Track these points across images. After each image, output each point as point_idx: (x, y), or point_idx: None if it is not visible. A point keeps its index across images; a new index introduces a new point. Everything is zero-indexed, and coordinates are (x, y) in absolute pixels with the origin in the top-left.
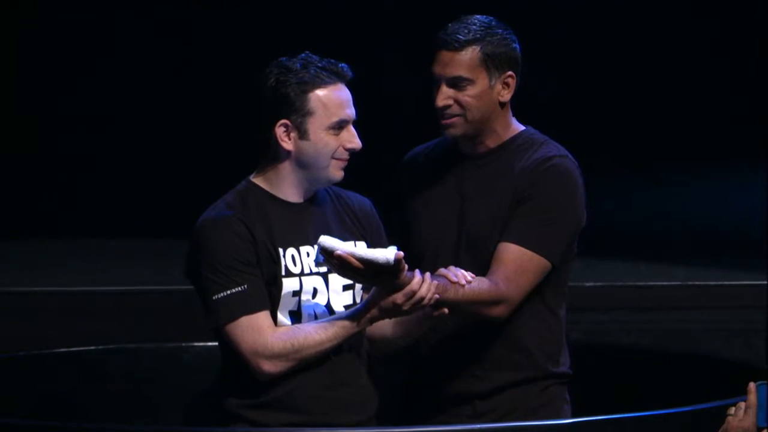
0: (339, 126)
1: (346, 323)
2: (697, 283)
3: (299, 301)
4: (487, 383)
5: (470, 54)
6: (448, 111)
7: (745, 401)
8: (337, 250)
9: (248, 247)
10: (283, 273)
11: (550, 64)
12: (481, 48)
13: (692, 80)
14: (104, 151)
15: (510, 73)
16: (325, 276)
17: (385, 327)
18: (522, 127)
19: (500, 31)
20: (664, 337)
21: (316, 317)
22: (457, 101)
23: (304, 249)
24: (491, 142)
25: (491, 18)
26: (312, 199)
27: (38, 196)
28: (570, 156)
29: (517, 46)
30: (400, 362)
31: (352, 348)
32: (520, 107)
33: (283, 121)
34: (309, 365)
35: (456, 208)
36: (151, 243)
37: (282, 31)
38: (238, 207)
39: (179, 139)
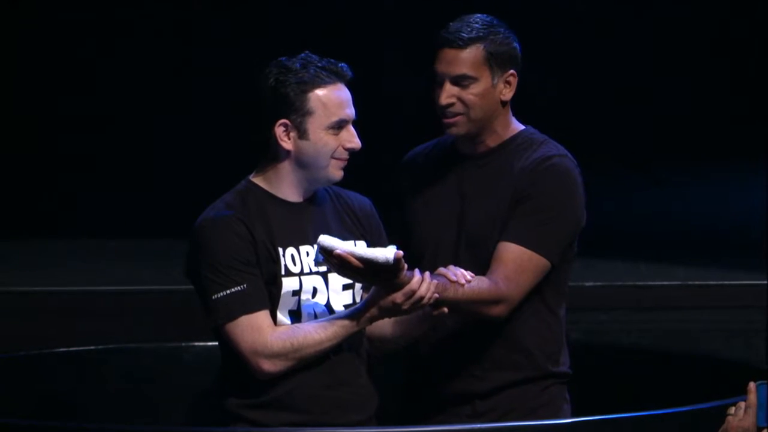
0: (338, 126)
1: (346, 322)
2: (697, 283)
3: (299, 300)
4: (487, 383)
5: (474, 52)
6: (452, 109)
7: (745, 401)
8: (337, 249)
9: (248, 246)
10: (283, 272)
11: (550, 64)
12: (484, 46)
13: (692, 80)
14: (104, 151)
15: (512, 71)
16: (324, 275)
17: (384, 326)
18: (521, 127)
19: (502, 29)
20: (664, 337)
21: (315, 317)
22: (460, 99)
23: (303, 248)
24: (491, 142)
25: (491, 17)
26: (312, 199)
27: (38, 196)
28: (569, 155)
29: (518, 45)
30: (399, 362)
31: (351, 347)
32: (520, 107)
33: (283, 120)
34: (309, 365)
35: (456, 208)
36: (151, 243)
37: (282, 31)
38: (238, 207)
39: (179, 139)
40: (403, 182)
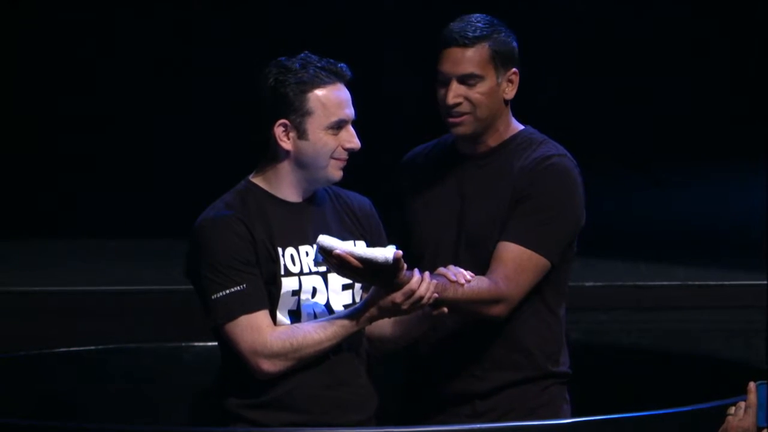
0: (338, 126)
1: (346, 322)
2: (697, 283)
3: (298, 300)
4: (487, 383)
5: (480, 50)
6: (458, 109)
7: (745, 401)
8: (336, 249)
9: (247, 246)
10: (283, 272)
11: (550, 64)
12: (489, 45)
13: (692, 80)
14: (104, 151)
15: (514, 70)
16: (324, 275)
17: (384, 326)
18: (521, 127)
19: (503, 28)
20: (664, 337)
21: (315, 316)
22: (467, 99)
23: (303, 248)
24: (492, 141)
25: (491, 17)
26: (311, 199)
27: (38, 196)
28: (569, 155)
29: (516, 45)
30: (399, 362)
31: (351, 347)
32: (520, 107)
33: (282, 120)
34: (308, 365)
35: (456, 208)
36: (151, 243)
37: (282, 31)
38: (238, 207)
39: (179, 139)
40: (402, 182)
